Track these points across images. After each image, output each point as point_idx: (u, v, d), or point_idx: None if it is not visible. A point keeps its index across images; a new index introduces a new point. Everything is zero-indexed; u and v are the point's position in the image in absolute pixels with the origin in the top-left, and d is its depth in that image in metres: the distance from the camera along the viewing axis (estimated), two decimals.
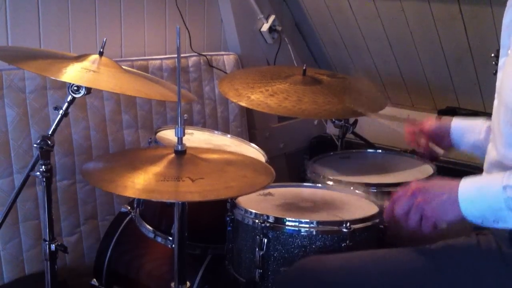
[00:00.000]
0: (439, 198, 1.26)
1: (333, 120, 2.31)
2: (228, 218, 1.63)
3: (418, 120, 1.84)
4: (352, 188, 1.80)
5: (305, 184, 1.85)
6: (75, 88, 1.56)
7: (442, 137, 1.76)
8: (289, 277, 1.42)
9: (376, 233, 1.54)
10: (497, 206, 1.21)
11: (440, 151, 1.78)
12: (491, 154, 1.38)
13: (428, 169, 2.00)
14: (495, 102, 1.39)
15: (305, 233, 1.48)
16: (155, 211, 1.85)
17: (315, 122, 3.21)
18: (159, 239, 1.80)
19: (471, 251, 1.30)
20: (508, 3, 1.38)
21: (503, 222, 1.22)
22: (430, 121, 1.79)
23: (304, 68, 2.16)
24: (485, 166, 1.43)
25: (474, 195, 1.24)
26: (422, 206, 1.28)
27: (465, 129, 1.70)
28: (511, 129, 1.29)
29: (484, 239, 1.30)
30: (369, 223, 1.51)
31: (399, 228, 1.36)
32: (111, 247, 1.98)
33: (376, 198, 1.68)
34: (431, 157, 1.84)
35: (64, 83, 1.56)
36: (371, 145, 2.66)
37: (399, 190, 1.36)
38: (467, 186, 1.26)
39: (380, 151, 2.28)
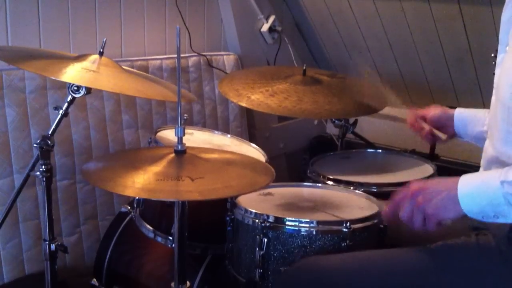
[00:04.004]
0: (439, 196, 1.27)
1: (333, 120, 2.31)
2: (228, 218, 1.63)
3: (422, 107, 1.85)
4: (352, 188, 1.80)
5: (305, 184, 1.85)
6: (75, 88, 1.56)
7: (445, 126, 1.77)
8: (288, 277, 1.42)
9: (376, 233, 1.54)
10: (496, 201, 1.21)
11: (442, 136, 1.78)
12: (488, 150, 1.39)
13: (428, 169, 2.00)
14: (493, 99, 1.39)
15: (305, 233, 1.48)
16: (155, 211, 1.85)
17: (315, 122, 3.21)
18: (159, 239, 1.79)
19: (470, 251, 1.31)
20: (507, 0, 1.39)
21: (503, 217, 1.22)
22: (435, 108, 1.80)
23: (304, 68, 2.16)
24: (482, 163, 1.43)
25: (473, 191, 1.24)
26: (423, 206, 1.28)
27: (468, 120, 1.71)
28: (507, 126, 1.29)
29: (484, 239, 1.31)
30: (369, 223, 1.51)
31: (400, 228, 1.36)
32: (111, 247, 1.98)
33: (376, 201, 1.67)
34: (433, 141, 1.85)
35: (64, 83, 1.56)
36: (371, 145, 2.66)
37: (399, 191, 1.36)
38: (466, 183, 1.26)
39: (380, 151, 2.28)
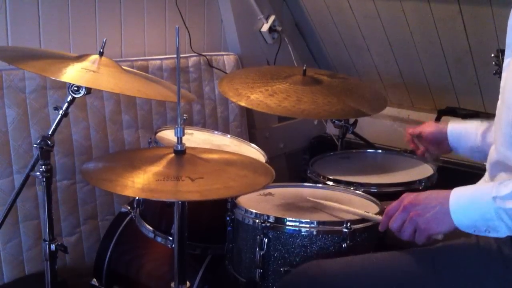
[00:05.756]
0: (431, 210, 1.28)
1: (333, 120, 2.31)
2: (228, 218, 1.63)
3: (419, 123, 1.88)
4: (352, 188, 1.80)
5: (305, 184, 1.85)
6: (75, 88, 1.56)
7: (440, 142, 1.79)
8: (289, 282, 1.42)
9: (376, 233, 1.53)
10: (487, 216, 1.22)
11: (431, 159, 1.92)
12: (493, 154, 1.39)
13: (428, 169, 2.00)
14: (499, 103, 1.39)
15: (306, 233, 1.48)
16: (155, 211, 1.85)
17: (315, 122, 3.21)
18: (159, 239, 1.79)
19: (471, 252, 1.31)
20: None
21: (494, 232, 1.23)
22: (430, 125, 1.83)
23: (304, 68, 2.16)
24: (487, 167, 1.43)
25: (465, 206, 1.26)
26: (415, 220, 1.30)
27: (460, 134, 1.73)
28: None
29: (484, 240, 1.30)
30: (369, 223, 1.51)
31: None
32: (111, 247, 1.98)
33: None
34: (428, 159, 1.92)
35: (64, 83, 1.56)
36: (371, 145, 2.66)
37: (391, 204, 1.38)
38: (458, 197, 1.27)
39: (380, 151, 2.28)
